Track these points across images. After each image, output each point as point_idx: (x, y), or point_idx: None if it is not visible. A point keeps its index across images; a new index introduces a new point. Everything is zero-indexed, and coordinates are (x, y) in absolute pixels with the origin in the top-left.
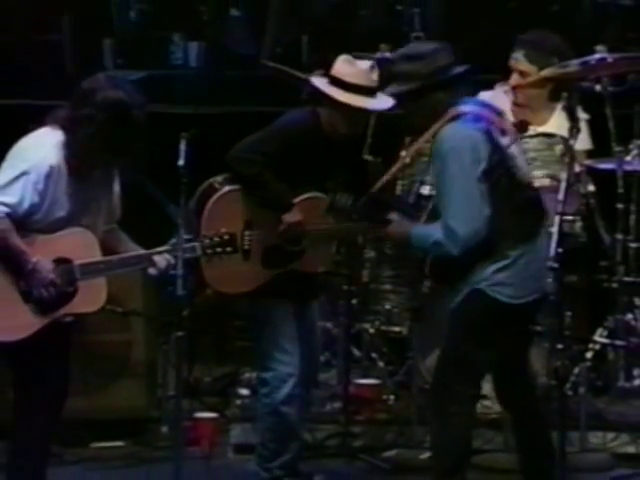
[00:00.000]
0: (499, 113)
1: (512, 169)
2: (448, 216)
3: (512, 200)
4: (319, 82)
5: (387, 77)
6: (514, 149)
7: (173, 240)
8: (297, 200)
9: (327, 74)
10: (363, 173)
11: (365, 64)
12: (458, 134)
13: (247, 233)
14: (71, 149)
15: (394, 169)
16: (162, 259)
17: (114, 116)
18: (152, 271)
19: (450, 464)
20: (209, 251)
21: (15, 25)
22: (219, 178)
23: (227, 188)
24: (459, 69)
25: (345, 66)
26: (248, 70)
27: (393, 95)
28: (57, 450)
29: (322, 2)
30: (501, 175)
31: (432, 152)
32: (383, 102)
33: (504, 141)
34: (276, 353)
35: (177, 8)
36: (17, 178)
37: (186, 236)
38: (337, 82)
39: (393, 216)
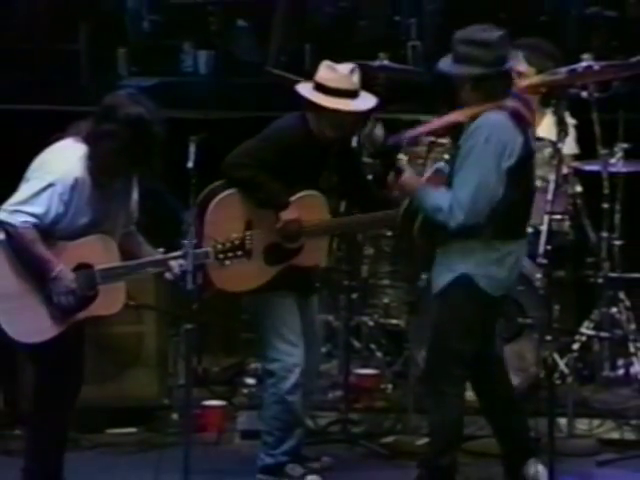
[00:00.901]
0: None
1: (531, 172)
2: (461, 191)
3: (516, 197)
4: (304, 89)
5: (385, 84)
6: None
7: (187, 246)
8: (293, 198)
9: (312, 80)
10: (358, 173)
11: (346, 68)
12: (499, 125)
13: (248, 233)
14: (94, 162)
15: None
16: (177, 264)
17: (135, 132)
18: (168, 275)
19: (444, 443)
20: (221, 256)
21: (34, 35)
22: (217, 184)
23: (226, 192)
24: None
25: (327, 72)
26: (254, 77)
27: (448, 73)
28: (74, 436)
29: (324, 13)
30: (520, 175)
31: (468, 131)
32: (364, 103)
33: (535, 146)
34: (281, 345)
35: (187, 19)
36: (44, 190)
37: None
38: (320, 87)
39: (406, 167)
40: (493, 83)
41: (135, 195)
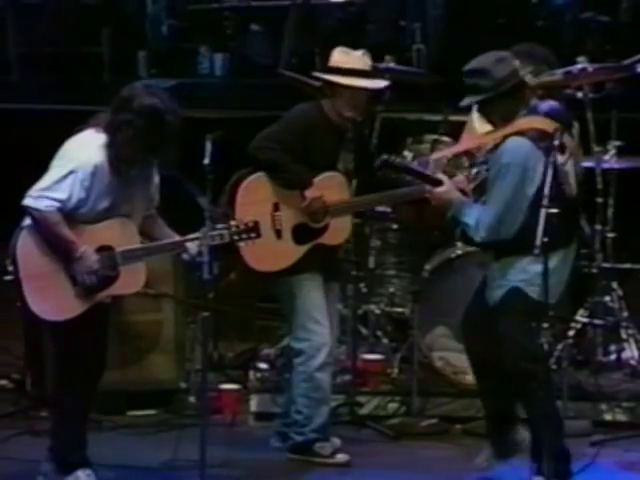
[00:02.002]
0: (564, 125)
1: (562, 185)
2: (485, 213)
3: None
4: (320, 74)
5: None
6: (568, 166)
7: (204, 228)
8: (316, 179)
9: (326, 67)
10: (370, 159)
11: (358, 52)
12: (519, 151)
13: (277, 214)
14: (113, 150)
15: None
16: (194, 245)
17: (149, 121)
18: (185, 256)
19: (553, 431)
20: (235, 237)
21: (60, 39)
22: (244, 171)
23: (253, 176)
24: (518, 78)
25: (341, 55)
26: (267, 78)
27: (468, 105)
28: (96, 418)
29: (333, 18)
30: (550, 187)
31: (494, 156)
32: (378, 83)
33: (561, 159)
34: (310, 324)
35: (204, 23)
36: (66, 176)
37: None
38: (336, 70)
39: (446, 180)
40: (498, 105)
41: (156, 179)
